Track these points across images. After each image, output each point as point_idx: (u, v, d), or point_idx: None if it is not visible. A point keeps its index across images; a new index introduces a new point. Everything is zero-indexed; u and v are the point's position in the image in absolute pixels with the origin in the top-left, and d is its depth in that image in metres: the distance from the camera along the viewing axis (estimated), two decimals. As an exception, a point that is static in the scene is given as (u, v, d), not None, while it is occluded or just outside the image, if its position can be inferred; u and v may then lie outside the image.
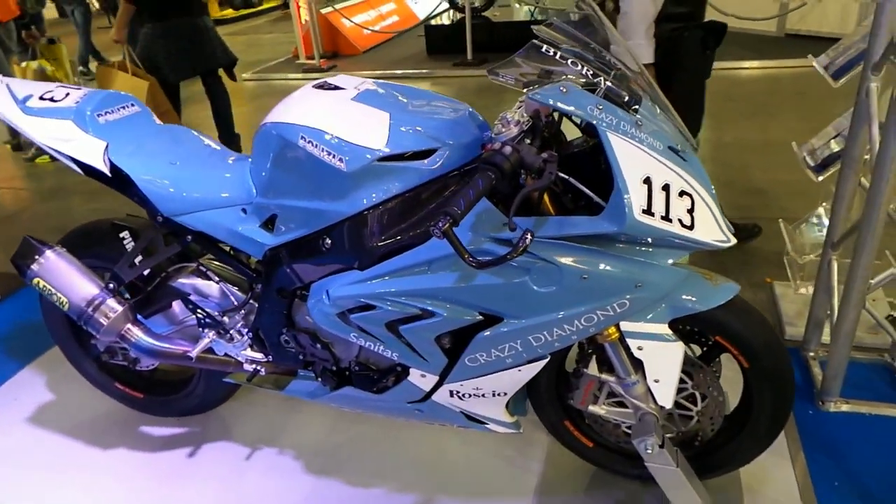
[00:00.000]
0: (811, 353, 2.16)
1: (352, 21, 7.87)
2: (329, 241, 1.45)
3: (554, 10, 7.65)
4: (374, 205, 1.37)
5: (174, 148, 1.70)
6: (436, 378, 1.52)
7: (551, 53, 1.22)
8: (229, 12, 12.35)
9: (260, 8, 12.98)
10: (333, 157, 1.35)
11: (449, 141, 1.36)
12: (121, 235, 1.81)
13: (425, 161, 1.35)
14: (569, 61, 1.23)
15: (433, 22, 8.24)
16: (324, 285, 1.48)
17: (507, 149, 1.17)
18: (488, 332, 1.38)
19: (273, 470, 1.92)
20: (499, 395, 1.54)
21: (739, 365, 1.50)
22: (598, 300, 1.30)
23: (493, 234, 1.29)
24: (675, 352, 1.41)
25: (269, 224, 1.56)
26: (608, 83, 1.23)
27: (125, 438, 2.09)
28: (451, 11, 8.19)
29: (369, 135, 1.35)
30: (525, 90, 1.18)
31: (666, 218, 1.20)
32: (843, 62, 1.88)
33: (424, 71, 6.86)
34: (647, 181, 1.19)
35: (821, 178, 2.07)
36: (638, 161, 1.18)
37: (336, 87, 1.49)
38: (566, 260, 1.26)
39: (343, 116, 1.38)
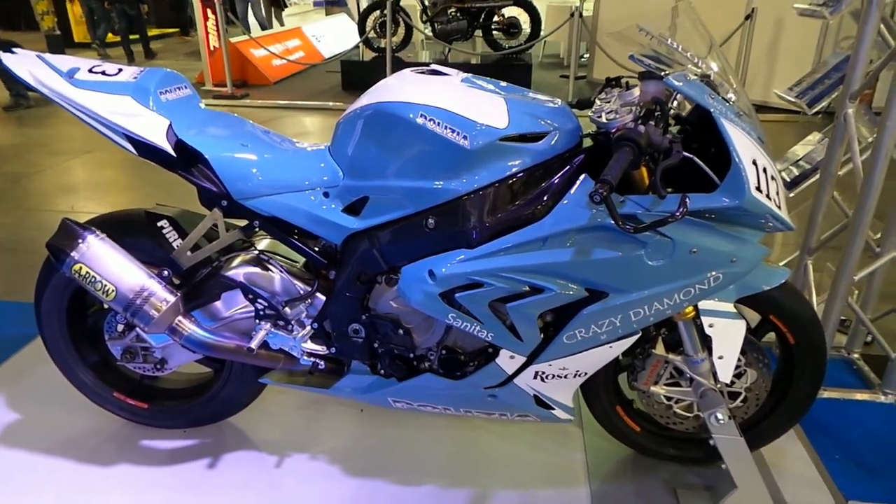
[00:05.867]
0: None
1: (267, 49, 7.74)
2: (433, 221, 1.46)
3: (462, 52, 8.03)
4: (492, 183, 1.41)
5: (236, 131, 1.63)
6: (523, 359, 1.56)
7: (671, 44, 1.36)
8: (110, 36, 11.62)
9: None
10: (457, 134, 1.38)
11: (557, 126, 1.44)
12: (159, 224, 1.68)
13: (539, 143, 1.42)
14: (679, 47, 1.38)
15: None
16: (423, 266, 1.48)
17: (641, 127, 1.28)
18: (593, 308, 1.45)
19: (311, 475, 1.82)
20: (580, 375, 1.60)
21: (783, 343, 1.68)
22: (698, 274, 1.42)
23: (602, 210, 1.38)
24: (740, 329, 1.57)
25: (354, 207, 1.53)
26: (713, 75, 1.39)
27: (126, 454, 1.88)
28: (363, 49, 8.34)
29: (491, 115, 1.40)
30: (662, 76, 1.30)
31: (768, 197, 1.36)
32: (819, 92, 2.21)
33: (340, 104, 6.89)
34: (755, 163, 1.34)
35: (792, 194, 2.38)
36: (746, 144, 1.34)
37: (439, 73, 1.53)
38: (680, 233, 1.37)
39: (462, 97, 1.43)
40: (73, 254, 1.52)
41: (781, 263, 2.72)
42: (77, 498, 1.73)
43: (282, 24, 10.33)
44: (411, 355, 1.65)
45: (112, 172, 4.48)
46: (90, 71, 1.58)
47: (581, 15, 6.60)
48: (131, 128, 1.52)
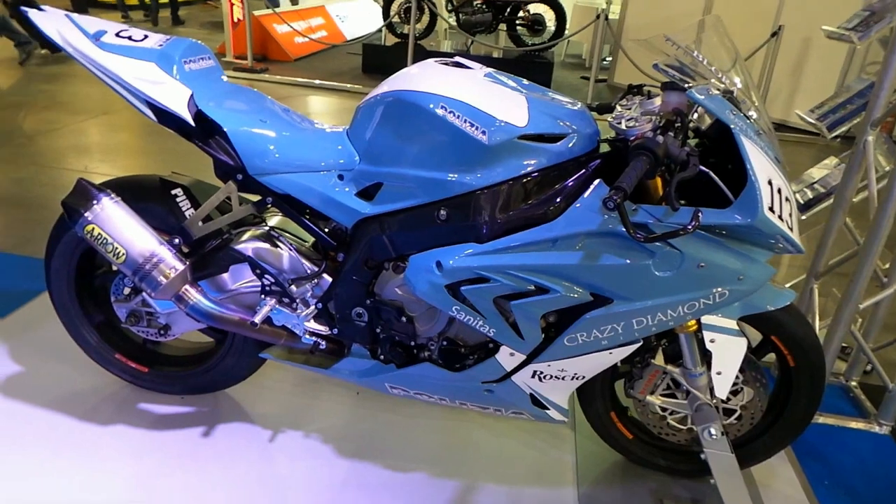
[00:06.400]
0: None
1: (290, 26, 7.73)
2: (445, 213, 1.46)
3: (485, 44, 8.01)
4: (507, 180, 1.42)
5: (257, 106, 1.64)
6: (523, 357, 1.57)
7: (696, 56, 1.36)
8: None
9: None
10: (476, 128, 1.38)
11: (576, 129, 1.44)
12: (173, 192, 1.69)
13: (557, 144, 1.42)
14: (704, 60, 1.37)
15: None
16: (431, 256, 1.48)
17: (660, 138, 1.28)
18: (596, 313, 1.45)
19: (303, 454, 1.84)
20: (577, 378, 1.61)
21: (782, 364, 1.68)
22: (704, 288, 1.42)
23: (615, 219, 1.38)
24: (741, 346, 1.57)
25: (368, 192, 1.54)
26: (736, 91, 1.38)
27: (123, 416, 1.90)
28: (386, 34, 8.32)
29: (511, 112, 1.40)
30: (685, 88, 1.30)
31: (780, 218, 1.36)
32: (840, 116, 2.20)
33: (359, 86, 6.88)
34: (770, 183, 1.34)
35: (804, 217, 2.38)
36: (763, 163, 1.34)
37: (462, 66, 1.53)
38: (690, 246, 1.38)
39: (484, 92, 1.43)
40: (86, 214, 1.53)
41: (788, 285, 2.72)
42: (72, 453, 1.75)
43: (294, 3, 10.29)
44: (412, 343, 1.66)
45: (127, 136, 4.49)
46: (117, 35, 1.59)
47: (607, 17, 6.56)
48: (154, 95, 1.53)
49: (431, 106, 1.42)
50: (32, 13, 1.62)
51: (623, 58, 7.06)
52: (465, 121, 1.39)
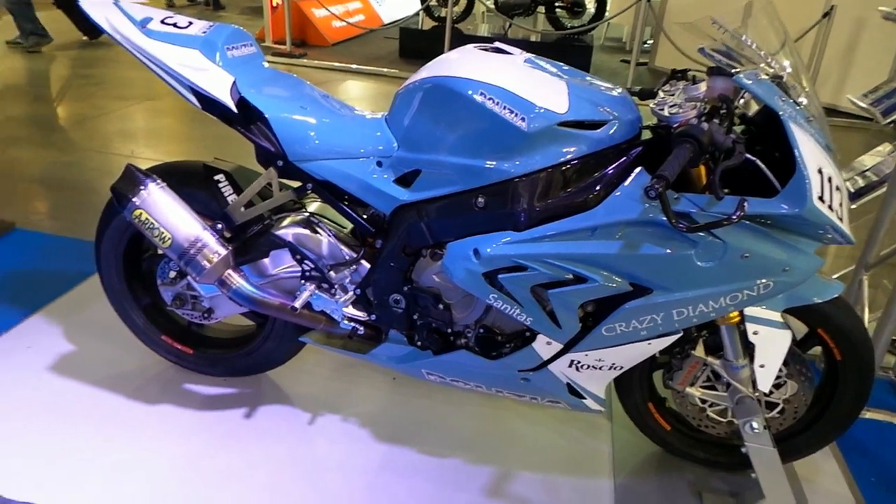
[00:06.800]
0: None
1: (328, 10, 7.76)
2: (482, 200, 1.46)
3: (523, 27, 7.90)
4: (546, 167, 1.40)
5: (297, 93, 1.65)
6: (560, 346, 1.56)
7: (745, 40, 1.32)
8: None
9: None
10: (515, 115, 1.37)
11: (617, 115, 1.42)
12: (216, 178, 1.73)
13: (598, 131, 1.40)
14: (752, 44, 1.33)
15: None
16: (469, 244, 1.48)
17: (705, 125, 1.25)
18: (635, 303, 1.43)
19: (341, 437, 1.87)
20: (615, 368, 1.59)
21: (829, 357, 1.64)
22: (748, 279, 1.39)
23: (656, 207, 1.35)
24: (785, 339, 1.53)
25: (406, 179, 1.55)
26: (785, 76, 1.34)
27: (168, 395, 1.96)
28: (423, 17, 8.28)
29: (551, 99, 1.39)
30: (733, 73, 1.26)
31: (830, 207, 1.32)
32: (895, 102, 2.11)
33: (396, 71, 6.88)
34: (820, 171, 1.30)
35: (854, 206, 2.30)
36: (813, 151, 1.29)
37: (502, 51, 1.52)
38: (733, 236, 1.34)
39: (524, 78, 1.41)
40: (134, 199, 1.57)
41: (835, 276, 2.64)
42: (117, 432, 1.82)
43: None
44: (449, 330, 1.67)
45: (171, 121, 4.59)
46: (162, 22, 1.62)
47: (649, 0, 6.40)
48: (197, 81, 1.56)
49: (470, 92, 1.41)
50: (84, 1, 1.66)
51: (665, 41, 6.88)
52: (505, 107, 1.38)
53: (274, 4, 7.62)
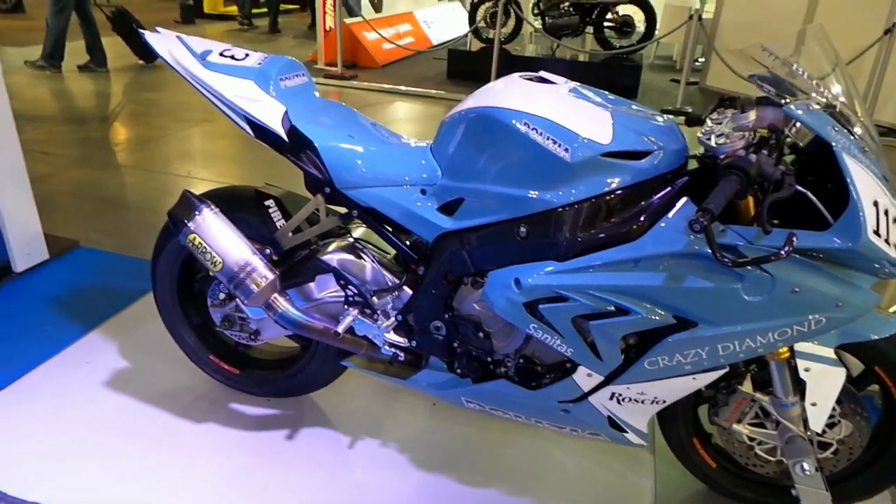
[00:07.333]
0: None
1: (378, 33, 7.93)
2: (525, 230, 1.46)
3: (571, 48, 7.90)
4: (589, 197, 1.40)
5: (346, 122, 1.70)
6: (601, 378, 1.54)
7: (795, 69, 1.29)
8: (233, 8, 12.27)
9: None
10: (559, 146, 1.38)
11: (662, 145, 1.41)
12: (265, 203, 1.78)
13: (642, 161, 1.39)
14: (804, 73, 1.30)
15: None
16: (510, 273, 1.49)
17: (753, 156, 1.22)
18: (679, 336, 1.41)
19: (380, 462, 1.88)
20: (658, 402, 1.56)
21: (886, 396, 1.56)
22: (798, 315, 1.35)
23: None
24: (838, 377, 1.47)
25: (449, 207, 1.56)
26: (839, 105, 1.30)
27: (215, 414, 2.02)
28: (471, 39, 8.38)
29: (595, 129, 1.39)
30: (783, 103, 1.24)
31: (887, 242, 1.27)
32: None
33: (443, 92, 6.96)
34: (875, 204, 1.25)
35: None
36: (868, 183, 1.25)
37: (546, 81, 1.53)
38: (782, 270, 1.31)
39: (567, 108, 1.42)
40: (189, 224, 1.64)
41: (893, 309, 2.52)
42: (165, 447, 1.88)
43: (378, 11, 10.52)
44: (489, 359, 1.67)
45: (226, 143, 4.75)
46: (221, 54, 1.70)
47: (700, 18, 6.31)
48: (251, 111, 1.62)
49: (514, 122, 1.42)
50: (148, 35, 1.76)
51: (716, 59, 6.76)
52: (548, 137, 1.38)
53: (327, 28, 7.84)
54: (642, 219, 1.40)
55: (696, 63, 8.17)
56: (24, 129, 4.58)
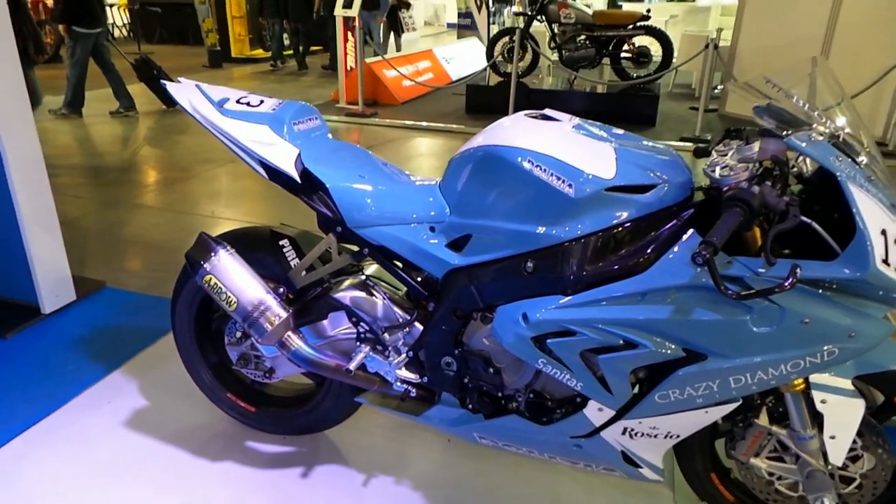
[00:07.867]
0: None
1: (398, 71, 8.09)
2: (532, 265, 1.48)
3: (588, 80, 7.96)
4: (595, 232, 1.41)
5: (357, 163, 1.74)
6: (612, 413, 1.53)
7: (797, 101, 1.30)
8: (259, 52, 12.68)
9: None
10: (563, 182, 1.40)
11: (666, 178, 1.42)
12: (280, 243, 1.82)
13: (646, 195, 1.40)
14: (805, 106, 1.31)
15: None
16: (518, 308, 1.50)
17: (756, 188, 1.23)
18: (689, 369, 1.39)
19: (396, 499, 1.88)
20: (671, 436, 1.54)
21: (910, 429, 1.52)
22: (810, 346, 1.33)
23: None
24: (857, 408, 1.44)
25: (457, 244, 1.59)
26: (842, 135, 1.30)
27: (231, 453, 2.04)
28: (489, 73, 8.51)
29: (598, 164, 1.40)
30: (784, 135, 1.25)
31: (897, 271, 1.25)
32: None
33: (462, 127, 7.05)
34: (884, 232, 1.24)
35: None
36: (875, 212, 1.24)
37: (551, 118, 1.56)
38: (791, 301, 1.30)
39: (571, 145, 1.44)
40: (205, 265, 1.68)
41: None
42: (179, 485, 1.90)
43: (398, 49, 10.81)
44: (499, 394, 1.66)
45: (250, 182, 4.87)
46: (237, 101, 1.77)
47: (717, 46, 6.34)
48: (266, 155, 1.67)
49: (519, 160, 1.45)
50: (170, 86, 1.84)
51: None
52: (552, 174, 1.41)
53: (348, 68, 8.04)
54: (648, 252, 1.40)
55: (715, 90, 8.17)
56: (56, 174, 4.76)
